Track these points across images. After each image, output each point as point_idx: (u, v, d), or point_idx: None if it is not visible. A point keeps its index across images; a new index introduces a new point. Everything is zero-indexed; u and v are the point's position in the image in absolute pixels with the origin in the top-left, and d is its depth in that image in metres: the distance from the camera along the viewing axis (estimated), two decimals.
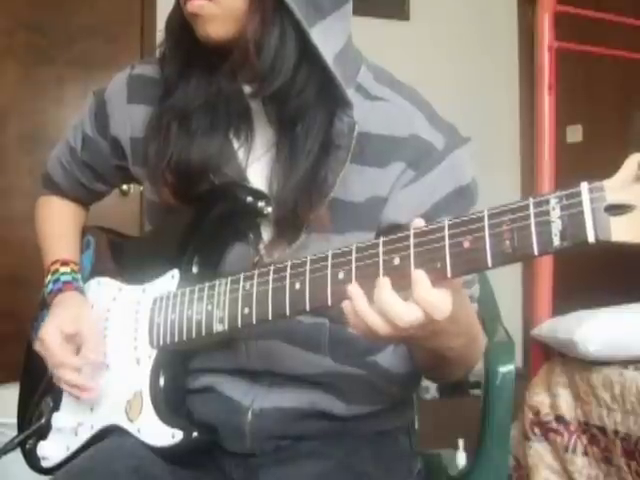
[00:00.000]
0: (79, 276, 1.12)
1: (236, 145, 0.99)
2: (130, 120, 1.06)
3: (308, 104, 0.91)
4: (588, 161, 3.18)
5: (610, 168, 0.66)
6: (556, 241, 0.63)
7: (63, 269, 1.11)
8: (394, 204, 0.95)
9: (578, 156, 3.26)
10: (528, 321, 2.50)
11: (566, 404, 2.02)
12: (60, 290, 1.08)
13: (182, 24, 0.94)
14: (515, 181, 3.69)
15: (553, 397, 2.06)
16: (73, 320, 1.03)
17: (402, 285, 0.71)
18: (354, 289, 0.73)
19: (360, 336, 0.75)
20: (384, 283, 0.72)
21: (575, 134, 3.46)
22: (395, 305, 0.71)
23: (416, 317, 0.71)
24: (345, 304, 0.74)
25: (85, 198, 1.22)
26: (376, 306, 0.72)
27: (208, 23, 0.90)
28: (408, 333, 0.73)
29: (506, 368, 1.17)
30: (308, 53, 0.89)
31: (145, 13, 3.13)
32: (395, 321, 0.71)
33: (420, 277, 0.70)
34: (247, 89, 0.97)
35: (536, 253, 0.64)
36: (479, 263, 0.67)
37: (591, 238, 0.61)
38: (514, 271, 3.40)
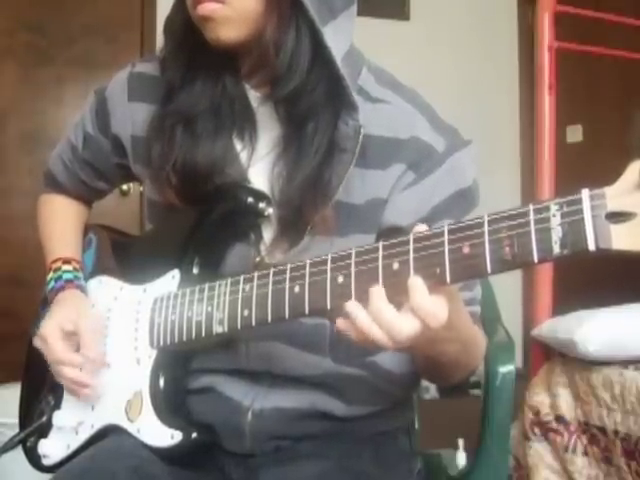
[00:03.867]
0: (81, 274, 1.12)
1: (239, 146, 0.99)
2: (131, 118, 1.06)
3: (318, 104, 0.91)
4: (588, 161, 3.20)
5: (610, 168, 0.66)
6: (556, 249, 0.62)
7: (65, 267, 1.11)
8: (394, 206, 0.95)
9: (578, 156, 3.26)
10: (528, 321, 2.50)
11: (566, 404, 2.02)
12: (62, 288, 1.08)
13: (184, 26, 0.94)
14: (515, 180, 3.69)
15: (553, 397, 2.06)
16: (73, 318, 1.03)
17: (400, 290, 0.70)
18: (353, 306, 0.72)
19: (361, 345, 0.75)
20: (378, 293, 0.71)
21: (575, 134, 3.46)
22: (390, 317, 0.70)
23: (414, 329, 0.70)
24: (340, 322, 0.73)
25: (87, 196, 1.23)
26: (373, 317, 0.71)
27: (220, 26, 0.89)
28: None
29: (506, 368, 1.17)
30: (320, 53, 0.88)
31: (145, 13, 3.13)
32: (392, 333, 0.71)
33: (417, 284, 0.69)
34: (253, 94, 0.97)
35: (536, 260, 0.63)
36: (478, 269, 0.67)
37: (591, 246, 0.60)
38: (514, 271, 3.39)
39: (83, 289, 1.10)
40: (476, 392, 2.71)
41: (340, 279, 0.75)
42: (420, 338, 0.72)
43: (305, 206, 0.92)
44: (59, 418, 1.07)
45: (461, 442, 2.44)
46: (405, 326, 0.70)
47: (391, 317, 0.70)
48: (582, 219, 0.61)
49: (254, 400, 0.99)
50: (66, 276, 1.10)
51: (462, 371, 0.96)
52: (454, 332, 0.79)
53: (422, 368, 0.97)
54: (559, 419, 2.03)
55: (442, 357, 0.86)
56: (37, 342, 1.04)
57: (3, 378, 2.06)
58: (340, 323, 0.74)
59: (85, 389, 1.01)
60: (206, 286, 0.91)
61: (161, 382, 0.96)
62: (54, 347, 1.01)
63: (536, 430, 2.06)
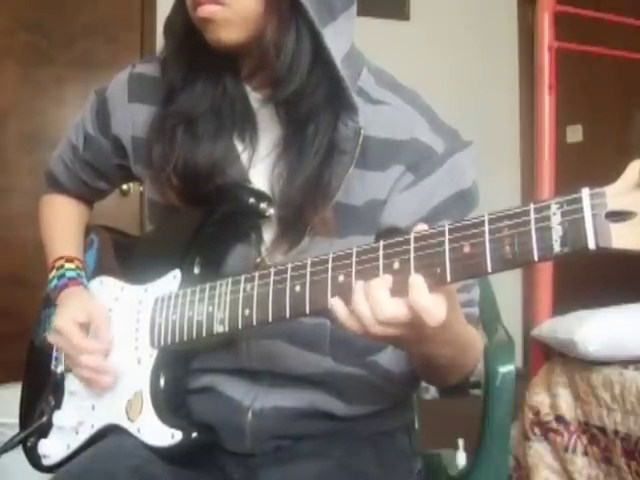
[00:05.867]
0: (83, 273, 1.13)
1: (240, 147, 1.00)
2: (131, 119, 1.06)
3: (318, 106, 0.91)
4: (588, 161, 3.20)
5: (610, 168, 0.66)
6: (556, 247, 0.62)
7: (68, 265, 1.11)
8: (393, 207, 0.95)
9: (578, 156, 3.26)
10: (528, 321, 2.50)
11: (566, 404, 2.02)
12: (65, 285, 1.09)
13: (185, 27, 0.94)
14: (515, 181, 3.70)
15: (553, 397, 2.06)
16: (83, 309, 1.04)
17: (401, 289, 0.70)
18: (359, 285, 0.73)
19: (352, 334, 0.75)
20: (380, 280, 0.71)
21: (575, 134, 3.46)
22: (382, 299, 0.71)
23: (398, 313, 0.70)
24: (336, 302, 0.74)
25: (88, 196, 1.23)
26: (367, 298, 0.72)
27: (221, 28, 0.89)
28: (394, 333, 0.73)
29: (506, 368, 1.18)
30: (320, 54, 0.88)
31: (145, 13, 3.14)
32: (375, 310, 0.71)
33: (417, 282, 0.69)
34: (254, 95, 0.97)
35: (536, 259, 0.64)
36: (479, 268, 0.67)
37: (591, 245, 0.61)
38: (514, 271, 3.38)
39: (86, 287, 1.11)
40: (476, 392, 2.71)
41: (341, 278, 0.75)
42: (415, 335, 0.73)
43: (305, 207, 0.92)
44: (59, 418, 1.07)
45: (461, 442, 2.43)
46: (390, 307, 0.70)
47: (380, 295, 0.71)
48: (582, 218, 0.61)
49: (254, 400, 1.00)
50: (69, 274, 1.10)
51: (459, 373, 0.96)
52: (451, 334, 0.79)
53: (418, 368, 0.97)
54: (559, 419, 2.03)
55: (439, 359, 0.86)
56: (52, 337, 1.05)
57: (3, 378, 2.06)
58: (337, 302, 0.74)
59: (106, 376, 1.01)
60: (207, 286, 0.91)
61: (162, 382, 0.97)
62: (71, 336, 1.01)
63: (536, 430, 2.06)
